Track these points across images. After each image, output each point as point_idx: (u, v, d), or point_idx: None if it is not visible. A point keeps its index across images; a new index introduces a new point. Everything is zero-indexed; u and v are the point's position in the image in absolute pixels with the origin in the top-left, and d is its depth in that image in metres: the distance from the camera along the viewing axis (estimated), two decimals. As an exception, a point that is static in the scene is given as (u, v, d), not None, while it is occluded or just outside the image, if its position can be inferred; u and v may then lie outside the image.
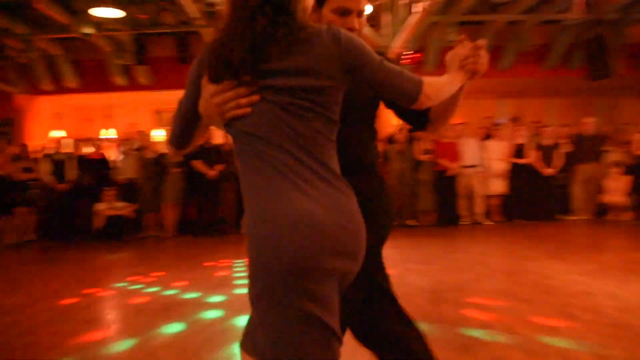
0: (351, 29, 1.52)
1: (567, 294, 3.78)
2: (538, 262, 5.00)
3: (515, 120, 9.08)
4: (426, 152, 8.05)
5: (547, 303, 3.56)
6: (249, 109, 1.27)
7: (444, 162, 7.88)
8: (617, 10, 8.10)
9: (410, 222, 8.09)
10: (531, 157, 8.11)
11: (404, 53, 7.62)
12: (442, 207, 8.01)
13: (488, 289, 4.02)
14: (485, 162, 8.12)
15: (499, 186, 8.17)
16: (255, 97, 1.27)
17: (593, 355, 2.58)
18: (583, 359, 2.55)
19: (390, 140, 8.33)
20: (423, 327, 3.09)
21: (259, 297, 1.27)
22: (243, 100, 1.27)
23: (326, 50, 1.27)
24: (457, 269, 4.81)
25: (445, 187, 7.94)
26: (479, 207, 8.17)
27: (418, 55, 7.55)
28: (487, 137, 8.46)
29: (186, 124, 1.42)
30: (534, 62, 10.08)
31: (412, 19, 6.15)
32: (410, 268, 4.88)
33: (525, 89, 11.58)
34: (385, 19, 7.70)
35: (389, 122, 10.47)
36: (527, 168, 8.13)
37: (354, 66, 1.31)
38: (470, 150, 8.07)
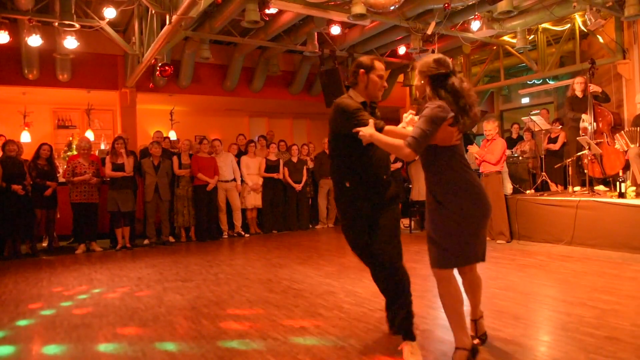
0: (384, 87, 2.89)
1: (314, 295, 4.18)
2: (289, 269, 5.41)
3: (267, 137, 9.71)
4: (183, 166, 7.93)
5: (297, 306, 3.86)
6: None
7: (203, 177, 7.90)
8: (346, 48, 9.47)
9: (169, 239, 7.83)
10: (281, 173, 8.79)
11: (159, 65, 7.38)
12: (202, 222, 7.99)
13: (245, 300, 4.15)
14: (241, 177, 8.47)
15: (254, 199, 8.62)
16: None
17: (334, 348, 2.90)
18: (325, 352, 2.85)
19: (145, 153, 7.95)
20: (181, 347, 3.03)
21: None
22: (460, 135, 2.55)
23: None
24: (217, 283, 4.84)
25: (204, 201, 7.95)
26: (238, 221, 8.44)
27: (169, 68, 7.43)
28: (242, 152, 8.85)
29: (427, 142, 2.43)
30: (281, 86, 10.99)
31: (164, 31, 6.02)
32: (169, 287, 4.71)
33: (275, 110, 12.52)
34: (136, 27, 7.36)
35: (147, 134, 10.02)
36: (279, 182, 8.81)
37: None
38: (226, 165, 8.29)
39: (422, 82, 2.58)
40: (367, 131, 2.56)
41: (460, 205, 2.48)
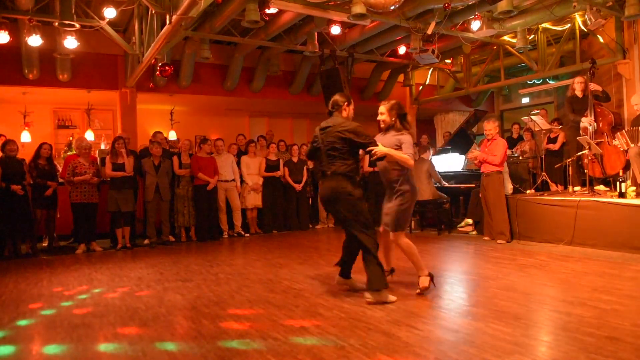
0: None
1: (314, 295, 4.18)
2: (290, 269, 5.41)
3: (266, 137, 9.70)
4: (183, 166, 7.93)
5: (297, 306, 3.86)
6: None
7: (203, 177, 7.89)
8: (346, 48, 9.47)
9: (169, 239, 7.83)
10: (281, 172, 8.79)
11: (159, 65, 7.37)
12: (202, 222, 7.98)
13: (246, 300, 4.15)
14: (240, 177, 8.47)
15: (254, 199, 8.62)
16: None
17: (334, 347, 2.90)
18: (326, 352, 2.84)
19: (145, 153, 7.95)
20: (181, 347, 3.03)
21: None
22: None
23: None
24: (217, 282, 4.84)
25: (205, 201, 7.95)
26: (238, 220, 8.44)
27: (169, 68, 7.43)
28: (242, 152, 8.85)
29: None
30: (281, 86, 10.99)
31: (164, 31, 6.02)
32: (169, 287, 4.71)
33: (275, 110, 12.51)
34: (136, 27, 7.37)
35: (146, 134, 10.02)
36: (279, 182, 8.81)
37: None
38: (226, 165, 8.29)
39: (393, 116, 4.08)
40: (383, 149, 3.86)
41: None
